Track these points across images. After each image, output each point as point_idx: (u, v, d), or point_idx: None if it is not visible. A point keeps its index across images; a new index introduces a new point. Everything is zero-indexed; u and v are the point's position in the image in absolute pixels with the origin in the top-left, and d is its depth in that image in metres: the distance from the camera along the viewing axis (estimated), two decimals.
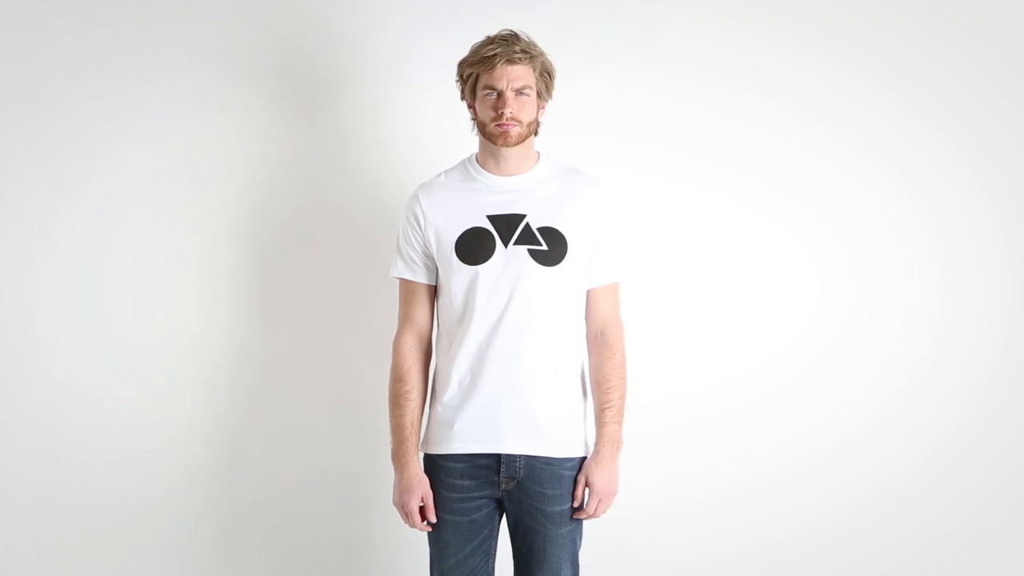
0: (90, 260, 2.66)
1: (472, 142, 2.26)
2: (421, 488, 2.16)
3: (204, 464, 2.70)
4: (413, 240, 2.20)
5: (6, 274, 2.65)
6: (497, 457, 2.12)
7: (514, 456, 2.12)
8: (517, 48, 2.11)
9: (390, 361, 2.23)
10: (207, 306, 2.69)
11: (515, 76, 2.11)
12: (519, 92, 2.11)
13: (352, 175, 2.69)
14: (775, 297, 2.81)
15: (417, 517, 2.17)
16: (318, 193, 2.70)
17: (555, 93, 2.22)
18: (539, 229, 2.14)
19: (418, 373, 2.20)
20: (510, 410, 2.12)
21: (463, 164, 2.24)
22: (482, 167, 2.20)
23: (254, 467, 2.72)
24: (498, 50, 2.10)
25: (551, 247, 2.14)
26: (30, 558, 2.66)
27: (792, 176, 2.80)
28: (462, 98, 2.22)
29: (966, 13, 2.81)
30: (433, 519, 2.17)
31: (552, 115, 2.25)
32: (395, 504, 2.21)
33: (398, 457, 2.19)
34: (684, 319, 2.79)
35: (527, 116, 2.14)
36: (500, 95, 2.11)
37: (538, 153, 2.23)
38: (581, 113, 2.68)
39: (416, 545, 2.70)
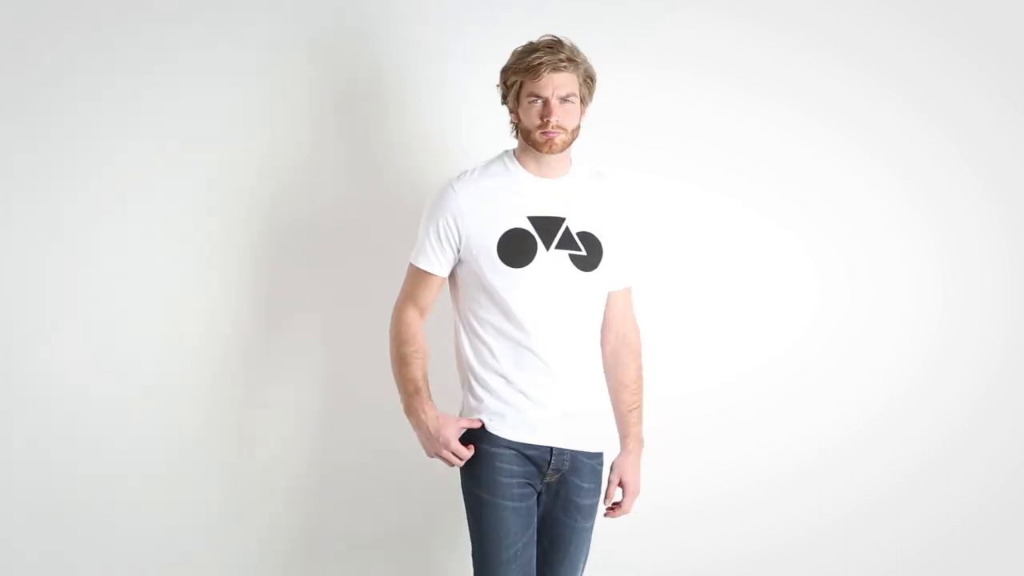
0: (91, 259, 2.65)
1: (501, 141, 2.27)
2: (453, 421, 2.16)
3: (203, 464, 2.70)
4: (446, 234, 2.16)
5: (5, 272, 2.64)
6: (549, 450, 2.15)
7: (563, 450, 2.16)
8: (562, 56, 2.11)
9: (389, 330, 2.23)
10: (209, 306, 2.69)
11: (560, 84, 2.10)
12: (564, 100, 2.12)
13: (356, 174, 2.69)
14: (775, 297, 2.81)
15: (463, 449, 2.14)
16: (321, 193, 2.69)
17: None
18: (578, 234, 2.17)
19: (423, 339, 2.22)
20: (555, 407, 2.16)
21: (501, 160, 2.23)
22: (522, 167, 2.20)
23: (254, 468, 2.71)
24: (544, 58, 2.10)
25: (589, 252, 2.17)
26: (29, 558, 2.66)
27: (792, 176, 2.80)
28: (503, 102, 2.21)
29: (966, 13, 2.81)
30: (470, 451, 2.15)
31: None
32: (432, 454, 2.18)
33: (414, 408, 2.17)
34: (684, 319, 2.78)
35: (571, 123, 2.14)
36: (546, 103, 2.11)
37: (570, 155, 2.23)
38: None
39: (416, 541, 2.71)
